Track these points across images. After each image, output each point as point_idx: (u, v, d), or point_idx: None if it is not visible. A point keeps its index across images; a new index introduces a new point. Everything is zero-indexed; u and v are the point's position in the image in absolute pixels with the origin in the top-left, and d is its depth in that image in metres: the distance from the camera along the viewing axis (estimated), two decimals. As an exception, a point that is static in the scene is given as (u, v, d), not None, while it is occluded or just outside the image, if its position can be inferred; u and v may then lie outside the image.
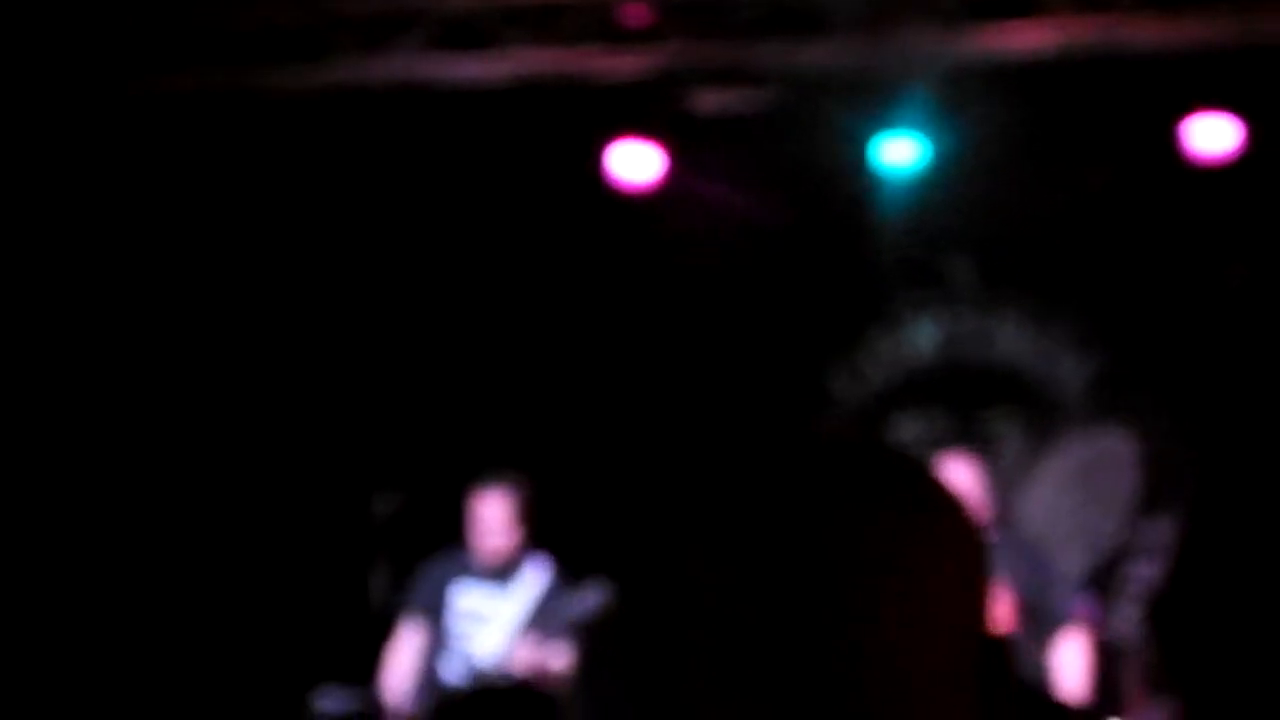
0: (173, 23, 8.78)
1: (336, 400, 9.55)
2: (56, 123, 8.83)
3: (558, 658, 7.50)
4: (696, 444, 1.60)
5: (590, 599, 7.51)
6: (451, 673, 7.63)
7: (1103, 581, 9.33)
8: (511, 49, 8.78)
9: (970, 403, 9.74)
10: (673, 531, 1.59)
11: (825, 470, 1.56)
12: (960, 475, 7.52)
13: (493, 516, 7.62)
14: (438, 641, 7.66)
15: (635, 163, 9.34)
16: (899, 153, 9.22)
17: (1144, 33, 8.38)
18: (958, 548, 1.58)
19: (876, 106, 9.07)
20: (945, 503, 1.54)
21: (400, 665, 7.66)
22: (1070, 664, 7.61)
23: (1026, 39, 8.46)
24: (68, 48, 8.71)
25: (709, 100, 9.11)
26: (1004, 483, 9.64)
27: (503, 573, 7.67)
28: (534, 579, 7.71)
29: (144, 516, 9.24)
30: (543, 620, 7.61)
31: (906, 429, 9.72)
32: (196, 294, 9.39)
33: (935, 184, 9.32)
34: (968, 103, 9.05)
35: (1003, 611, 7.08)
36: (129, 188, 9.12)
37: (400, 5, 8.84)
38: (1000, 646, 1.62)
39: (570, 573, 7.70)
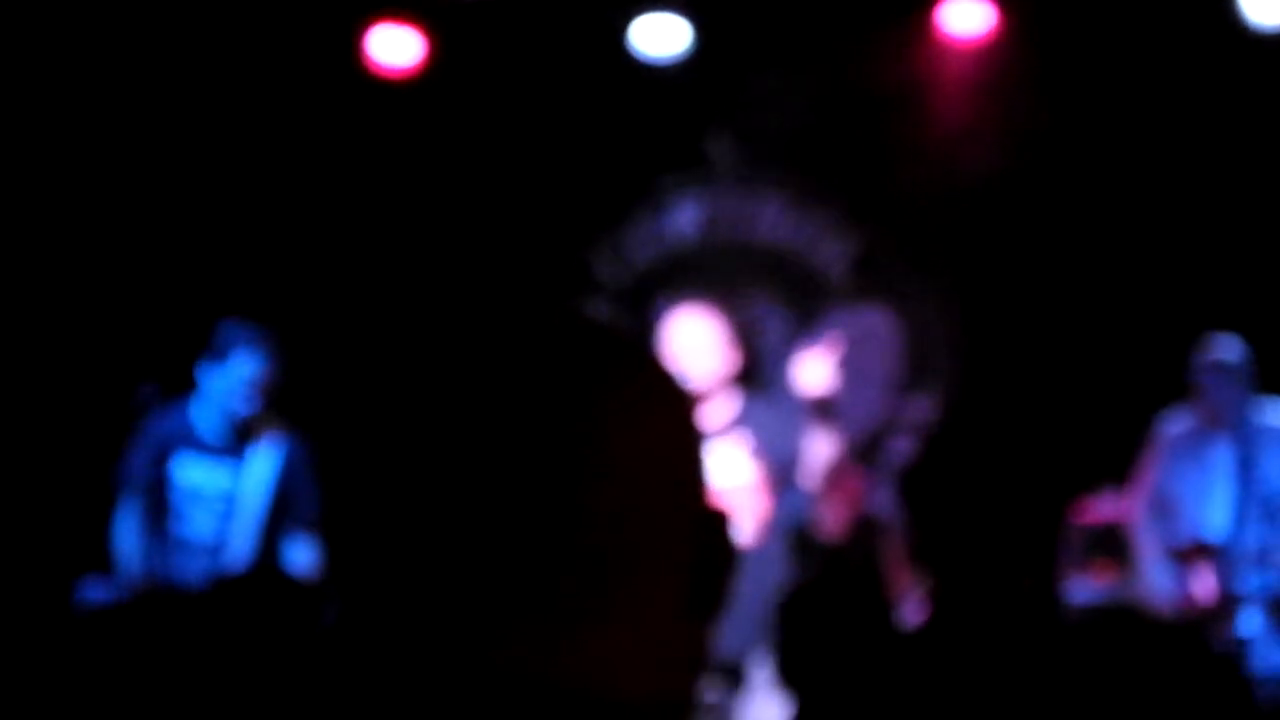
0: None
1: (97, 288, 9.40)
2: None
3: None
4: (454, 324, 1.64)
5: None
6: (172, 562, 6.88)
7: (864, 457, 9.49)
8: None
9: (732, 284, 9.81)
10: (420, 402, 1.65)
11: (569, 356, 1.63)
12: (695, 330, 6.97)
13: (245, 376, 6.86)
14: (158, 520, 6.89)
15: (395, 47, 9.30)
16: (663, 33, 9.25)
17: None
18: (679, 433, 1.67)
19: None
20: (672, 395, 1.63)
21: (126, 554, 6.91)
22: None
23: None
24: None
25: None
26: (768, 362, 9.75)
27: (235, 446, 6.93)
28: (267, 458, 6.95)
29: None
30: (277, 511, 6.92)
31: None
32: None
33: (698, 64, 9.35)
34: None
35: (749, 473, 6.93)
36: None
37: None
38: (718, 519, 1.69)
39: (307, 449, 7.07)
